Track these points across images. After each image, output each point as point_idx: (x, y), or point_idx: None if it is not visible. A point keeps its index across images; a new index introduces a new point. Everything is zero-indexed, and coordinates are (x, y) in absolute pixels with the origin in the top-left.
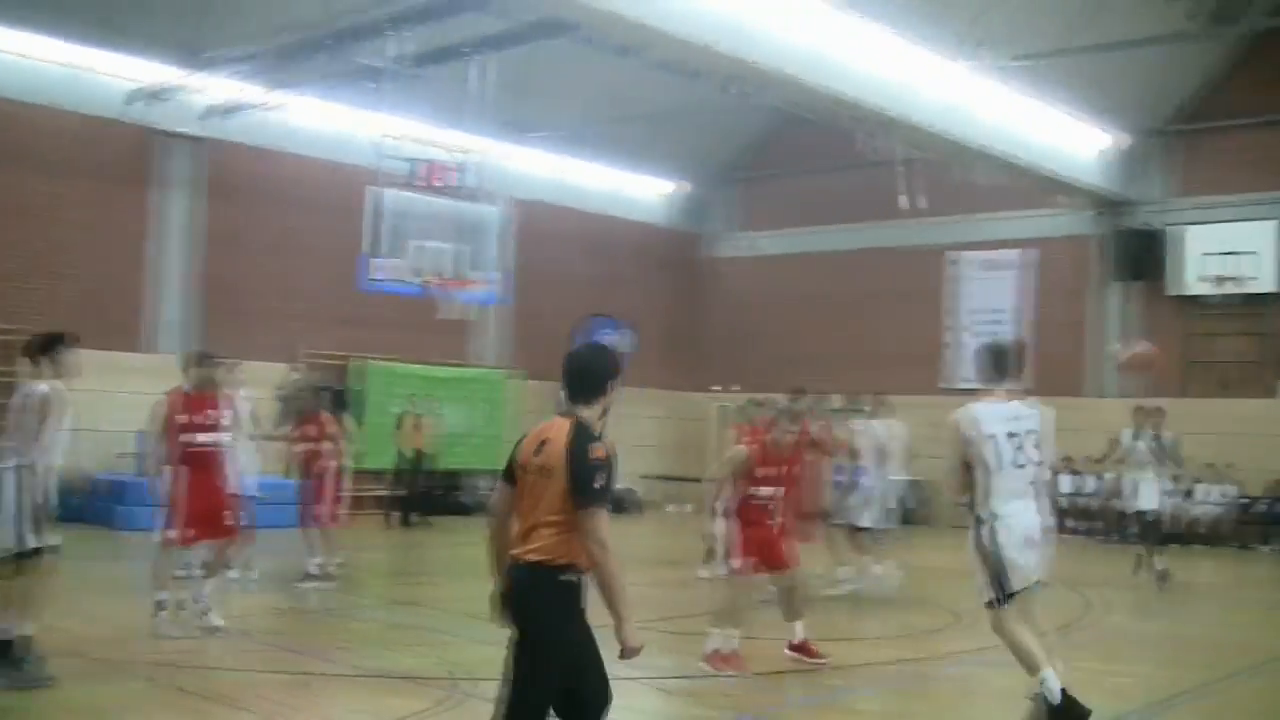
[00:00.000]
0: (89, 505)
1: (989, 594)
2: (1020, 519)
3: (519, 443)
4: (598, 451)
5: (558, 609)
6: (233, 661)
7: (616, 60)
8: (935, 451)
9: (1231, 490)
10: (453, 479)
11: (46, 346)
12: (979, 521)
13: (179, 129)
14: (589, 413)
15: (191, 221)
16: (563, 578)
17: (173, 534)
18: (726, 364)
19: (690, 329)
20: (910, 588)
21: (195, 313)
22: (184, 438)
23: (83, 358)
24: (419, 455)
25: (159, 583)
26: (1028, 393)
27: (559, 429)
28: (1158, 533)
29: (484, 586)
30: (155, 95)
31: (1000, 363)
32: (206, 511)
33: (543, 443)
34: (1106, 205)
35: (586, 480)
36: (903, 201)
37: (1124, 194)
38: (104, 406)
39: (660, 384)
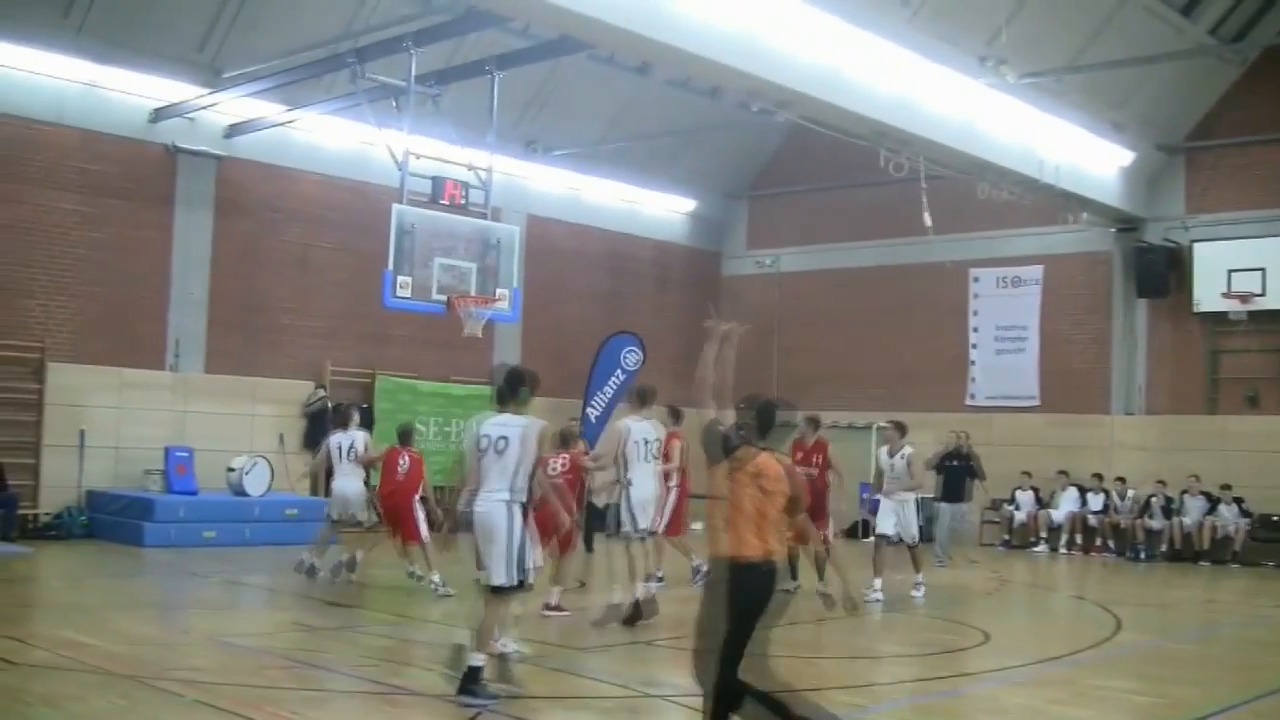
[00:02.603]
0: (115, 522)
1: None
2: None
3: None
4: None
5: None
6: (254, 678)
7: (634, 78)
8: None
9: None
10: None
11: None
12: None
13: (202, 148)
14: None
15: (215, 239)
16: None
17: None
18: (746, 382)
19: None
20: (940, 606)
21: (219, 331)
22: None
23: (107, 375)
24: None
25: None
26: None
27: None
28: (913, 556)
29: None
30: (178, 114)
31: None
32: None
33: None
34: (1127, 222)
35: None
36: (926, 219)
37: (1144, 210)
38: (129, 423)
39: (677, 402)
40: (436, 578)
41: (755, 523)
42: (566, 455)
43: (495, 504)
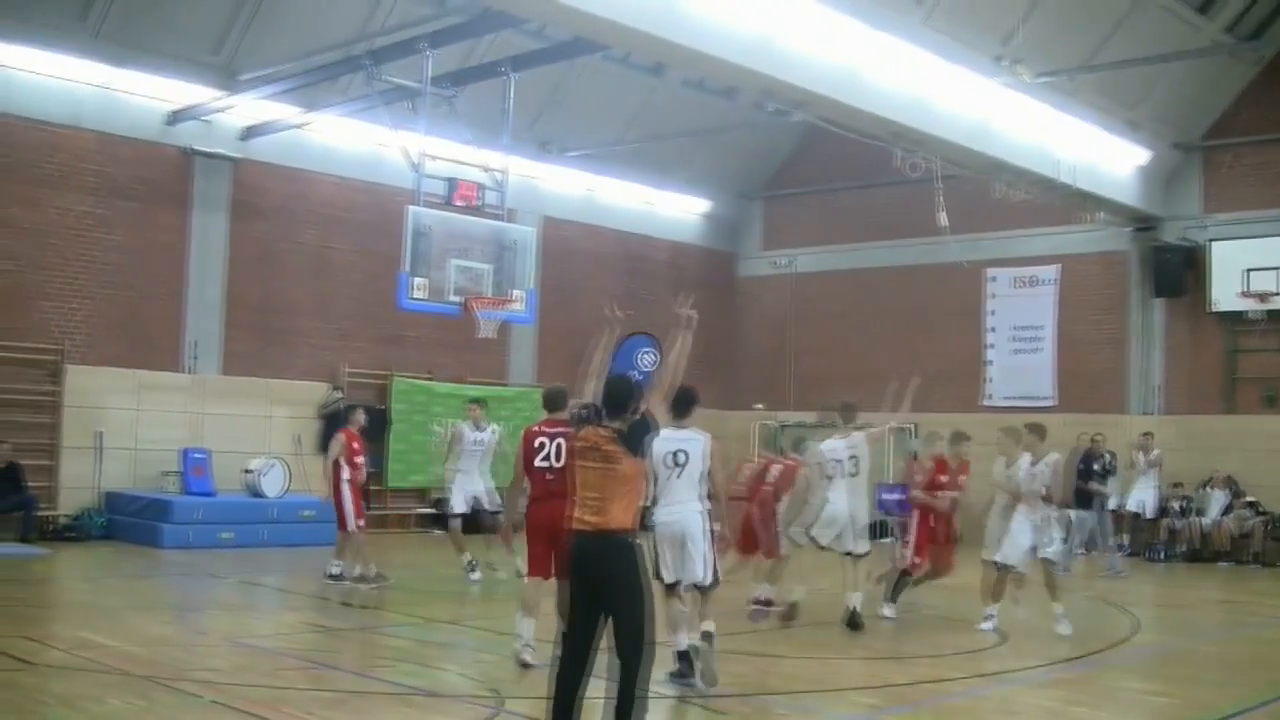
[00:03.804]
0: (132, 523)
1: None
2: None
3: None
4: None
5: None
6: (271, 679)
7: (649, 79)
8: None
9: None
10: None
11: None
12: None
13: (217, 150)
14: None
15: (230, 241)
16: None
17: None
18: (763, 383)
19: (725, 348)
20: (958, 608)
21: (235, 332)
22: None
23: (124, 377)
24: None
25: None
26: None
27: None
28: (1050, 579)
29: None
30: (193, 117)
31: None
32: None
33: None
34: (1143, 221)
35: None
36: (941, 219)
37: (1161, 209)
38: (146, 425)
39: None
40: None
41: (587, 495)
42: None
43: (690, 513)
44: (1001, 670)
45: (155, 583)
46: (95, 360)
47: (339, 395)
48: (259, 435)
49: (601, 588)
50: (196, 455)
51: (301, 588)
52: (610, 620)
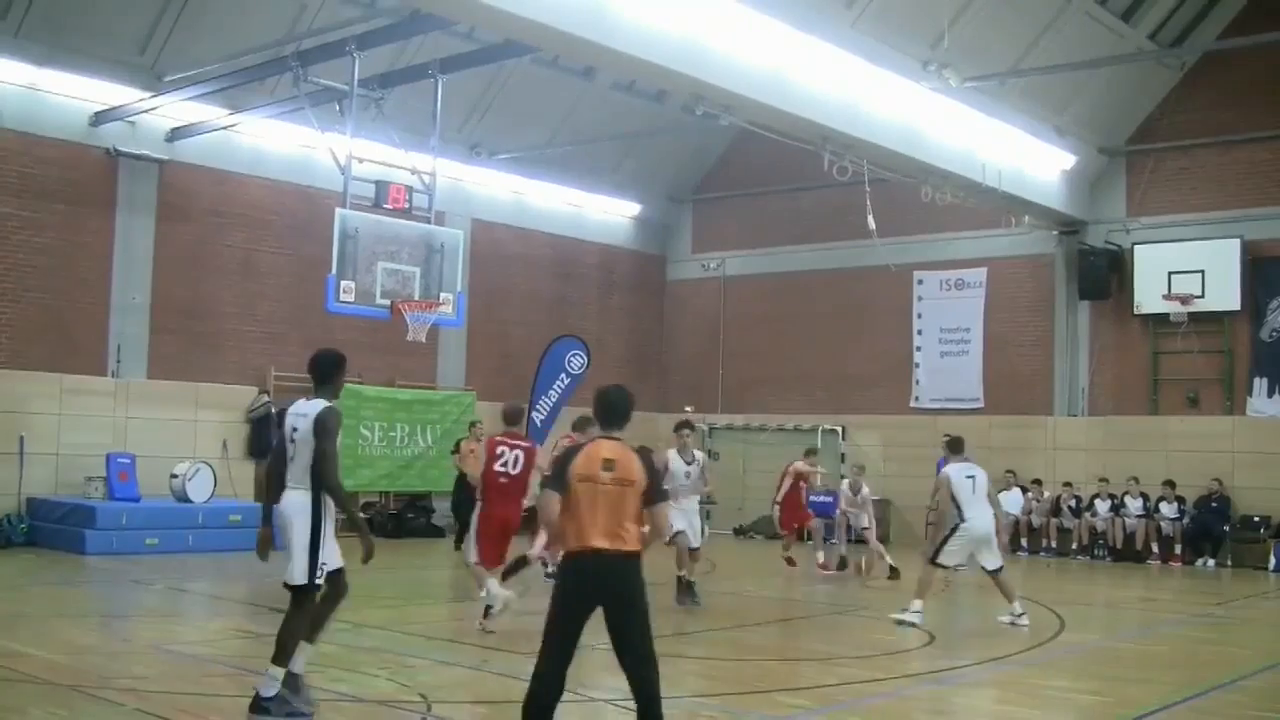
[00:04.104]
0: (56, 529)
1: None
2: None
3: (570, 460)
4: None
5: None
6: (198, 686)
7: (578, 82)
8: (904, 470)
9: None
10: (424, 500)
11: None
12: None
13: (143, 151)
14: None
15: (157, 244)
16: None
17: None
18: (693, 385)
19: (654, 351)
20: (884, 607)
21: (161, 336)
22: None
23: (47, 382)
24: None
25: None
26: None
27: (621, 450)
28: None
29: (449, 610)
30: (119, 118)
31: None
32: None
33: (611, 461)
34: (1069, 224)
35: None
36: (869, 222)
37: (1086, 213)
38: (69, 429)
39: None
40: None
41: (602, 516)
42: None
43: None
44: (930, 670)
45: (79, 590)
46: (18, 364)
47: (266, 399)
48: (185, 440)
49: (619, 607)
50: (121, 460)
51: (229, 593)
52: (617, 638)
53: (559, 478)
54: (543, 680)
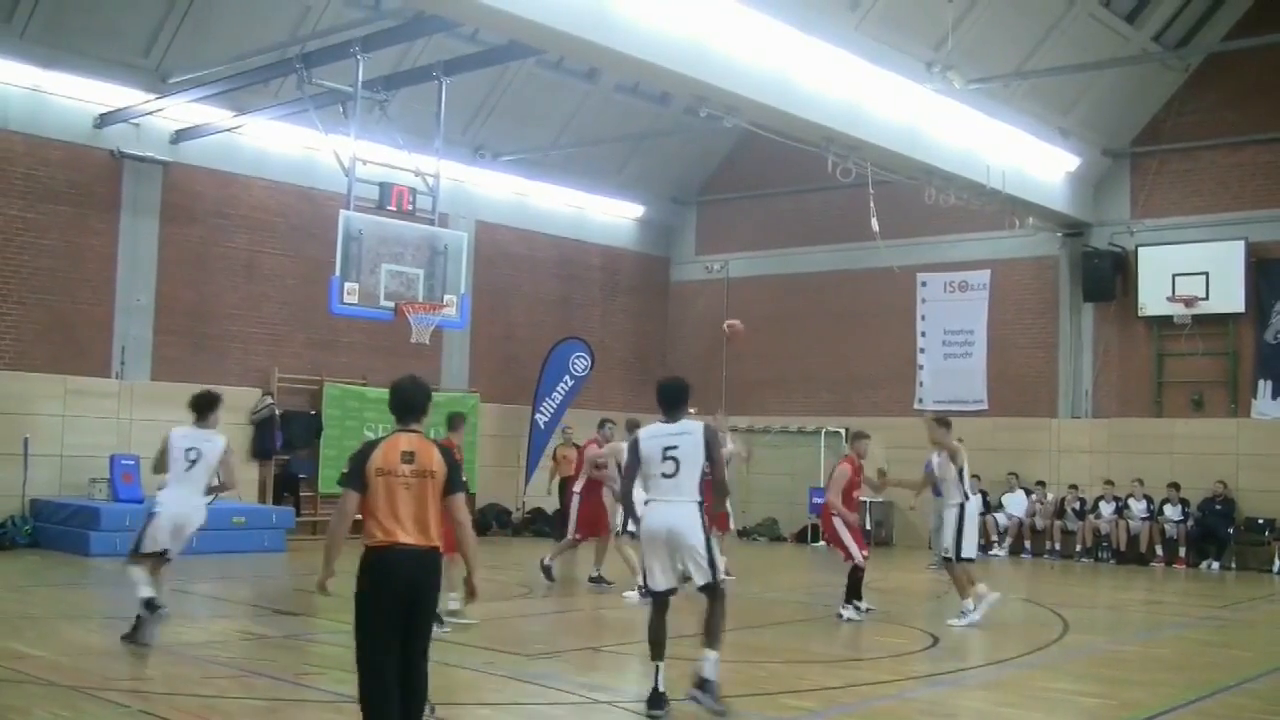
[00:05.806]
0: (60, 531)
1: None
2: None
3: (368, 455)
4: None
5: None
6: (201, 687)
7: (582, 84)
8: (908, 473)
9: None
10: None
11: None
12: None
13: (148, 153)
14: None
15: (161, 246)
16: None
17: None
18: (697, 387)
19: (658, 352)
20: (887, 609)
21: (165, 338)
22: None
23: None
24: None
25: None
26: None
27: (420, 441)
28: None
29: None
30: (124, 120)
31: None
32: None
33: (410, 453)
34: (1073, 226)
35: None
36: (873, 224)
37: (1090, 215)
38: (74, 431)
39: (628, 408)
40: None
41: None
42: None
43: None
44: (934, 672)
45: (83, 591)
46: (22, 366)
47: (270, 401)
48: None
49: (419, 600)
50: (125, 462)
51: (232, 595)
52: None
53: (356, 475)
54: (378, 709)
